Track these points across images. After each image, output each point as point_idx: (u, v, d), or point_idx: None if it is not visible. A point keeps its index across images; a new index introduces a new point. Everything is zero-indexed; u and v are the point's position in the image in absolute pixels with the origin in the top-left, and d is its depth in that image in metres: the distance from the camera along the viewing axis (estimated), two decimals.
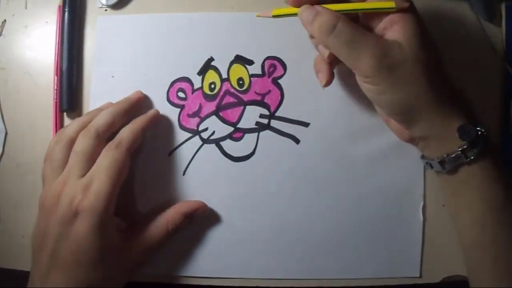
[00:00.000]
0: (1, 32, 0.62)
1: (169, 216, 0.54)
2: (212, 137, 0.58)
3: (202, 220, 0.57)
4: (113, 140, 0.53)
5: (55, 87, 0.59)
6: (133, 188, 0.58)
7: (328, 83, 0.52)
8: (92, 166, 0.51)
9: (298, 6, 0.49)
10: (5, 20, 0.63)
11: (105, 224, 0.49)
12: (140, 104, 0.58)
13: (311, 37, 0.54)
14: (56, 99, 0.59)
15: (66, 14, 0.60)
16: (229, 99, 0.58)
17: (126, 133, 0.53)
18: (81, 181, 0.50)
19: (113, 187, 0.50)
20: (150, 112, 0.57)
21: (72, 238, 0.48)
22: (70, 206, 0.48)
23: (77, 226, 0.48)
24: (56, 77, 0.59)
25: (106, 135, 0.53)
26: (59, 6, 0.61)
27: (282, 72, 0.59)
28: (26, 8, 0.63)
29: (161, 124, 0.58)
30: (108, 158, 0.51)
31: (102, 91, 0.59)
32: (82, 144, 0.51)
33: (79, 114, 0.60)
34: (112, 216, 0.51)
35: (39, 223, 0.51)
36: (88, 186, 0.49)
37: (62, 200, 0.49)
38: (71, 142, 0.52)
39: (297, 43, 0.59)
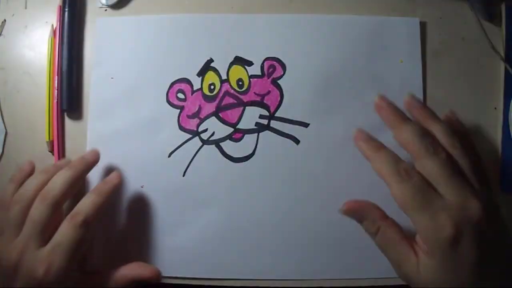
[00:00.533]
0: (1, 32, 0.62)
1: (118, 279, 0.54)
2: (212, 138, 0.58)
3: (201, 221, 0.57)
4: (77, 213, 0.51)
5: (56, 87, 0.59)
6: (132, 189, 0.58)
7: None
8: (48, 233, 0.50)
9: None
10: (5, 20, 0.63)
11: None
12: (95, 164, 0.56)
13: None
14: (56, 99, 0.59)
15: (66, 14, 0.60)
16: (228, 100, 0.58)
17: (91, 208, 0.52)
18: (41, 253, 0.49)
19: (73, 262, 0.50)
20: (114, 181, 0.55)
21: None
22: (31, 280, 0.48)
23: None
24: (56, 77, 0.59)
25: (63, 203, 0.52)
26: (59, 6, 0.61)
27: (282, 73, 0.59)
28: (26, 8, 0.63)
29: (160, 125, 0.58)
30: (71, 235, 0.50)
31: (101, 92, 0.59)
32: (39, 213, 0.50)
33: (79, 114, 0.60)
34: (73, 276, 0.52)
35: None
36: (50, 262, 0.48)
37: (22, 271, 0.48)
38: (29, 206, 0.51)
39: (297, 43, 0.59)
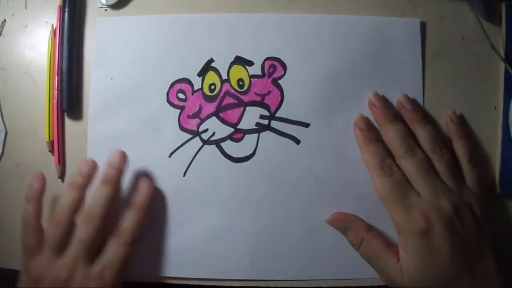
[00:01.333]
0: (1, 32, 0.62)
1: None
2: (212, 138, 0.58)
3: (201, 221, 0.57)
4: (124, 232, 0.53)
5: (56, 87, 0.59)
6: (133, 189, 0.57)
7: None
8: (95, 252, 0.52)
9: None
10: (5, 20, 0.63)
11: None
12: (125, 169, 0.56)
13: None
14: (56, 99, 0.59)
15: (66, 14, 0.60)
16: (229, 100, 0.58)
17: (135, 226, 0.53)
18: (91, 270, 0.51)
19: (122, 277, 0.53)
20: (148, 192, 0.55)
21: None
22: None
23: None
24: (56, 77, 0.59)
25: (107, 220, 0.53)
26: (59, 6, 0.61)
27: (282, 73, 0.58)
28: (26, 8, 0.63)
29: (161, 125, 0.58)
30: (121, 254, 0.52)
31: (102, 92, 0.59)
32: (88, 233, 0.52)
33: (79, 114, 0.60)
34: None
35: None
36: (101, 277, 0.51)
37: (73, 286, 0.50)
38: (70, 225, 0.52)
39: (297, 43, 0.59)
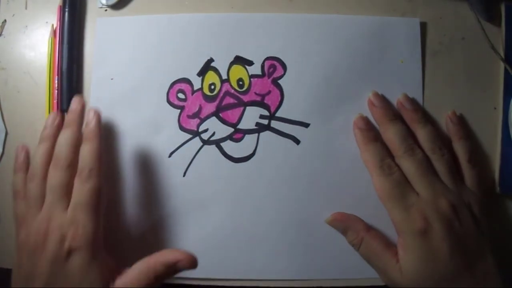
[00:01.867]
0: (1, 32, 0.62)
1: (151, 264, 0.50)
2: (212, 138, 0.58)
3: (201, 221, 0.57)
4: (81, 169, 0.52)
5: (56, 87, 0.59)
6: (133, 189, 0.58)
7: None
8: (68, 197, 0.51)
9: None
10: (5, 20, 0.63)
11: (97, 256, 0.49)
12: (84, 109, 0.56)
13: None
14: (56, 99, 0.59)
15: (66, 14, 0.60)
16: (229, 100, 0.58)
17: (89, 158, 0.52)
18: (65, 217, 0.50)
19: (98, 217, 0.51)
20: (93, 121, 0.55)
21: (65, 275, 0.48)
22: (61, 245, 0.48)
23: (71, 263, 0.48)
24: (57, 77, 0.59)
25: (75, 160, 0.53)
26: (59, 6, 0.61)
27: (282, 73, 0.59)
28: (26, 8, 0.63)
29: (161, 125, 0.58)
30: (85, 191, 0.50)
31: (102, 92, 0.59)
32: (57, 178, 0.51)
33: None
34: (102, 249, 0.51)
35: (21, 264, 0.50)
36: (76, 224, 0.49)
37: (51, 238, 0.49)
38: (44, 177, 0.53)
39: (297, 43, 0.59)
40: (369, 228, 0.55)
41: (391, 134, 0.55)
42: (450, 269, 0.49)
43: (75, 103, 0.56)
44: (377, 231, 0.55)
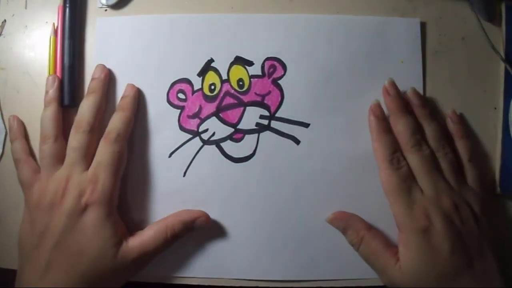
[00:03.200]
0: (1, 32, 0.62)
1: (169, 222, 0.54)
2: (212, 138, 0.58)
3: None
4: (109, 132, 0.55)
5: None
6: (133, 189, 0.58)
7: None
8: (90, 159, 0.54)
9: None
10: (5, 20, 0.63)
11: (112, 215, 0.52)
12: (109, 77, 0.59)
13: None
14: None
15: (67, 13, 0.60)
16: (229, 100, 0.58)
17: (121, 123, 0.55)
18: (85, 175, 0.52)
19: (117, 180, 0.53)
20: (131, 93, 0.58)
21: (79, 228, 0.50)
22: (79, 200, 0.51)
23: (86, 218, 0.50)
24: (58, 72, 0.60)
25: (97, 125, 0.56)
26: (60, 6, 0.61)
27: (282, 73, 0.58)
28: (26, 8, 0.63)
29: (161, 125, 0.58)
30: (109, 152, 0.53)
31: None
32: (78, 140, 0.54)
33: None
34: (116, 209, 0.53)
35: (33, 222, 0.52)
36: (95, 180, 0.52)
37: (69, 194, 0.51)
38: (60, 138, 0.55)
39: (297, 43, 0.59)
40: (369, 227, 0.55)
41: (402, 127, 0.55)
42: (450, 267, 0.49)
43: (98, 70, 0.58)
44: (377, 231, 0.55)
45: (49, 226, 0.51)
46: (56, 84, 0.58)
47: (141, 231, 0.54)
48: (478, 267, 0.49)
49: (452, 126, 0.57)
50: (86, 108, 0.56)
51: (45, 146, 0.55)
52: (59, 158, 0.55)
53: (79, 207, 0.50)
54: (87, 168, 0.53)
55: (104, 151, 0.53)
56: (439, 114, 0.58)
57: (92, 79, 0.58)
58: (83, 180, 0.52)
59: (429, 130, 0.56)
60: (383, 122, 0.56)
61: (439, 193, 0.52)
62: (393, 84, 0.57)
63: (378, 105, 0.57)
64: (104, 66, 0.59)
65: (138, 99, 0.59)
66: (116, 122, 0.55)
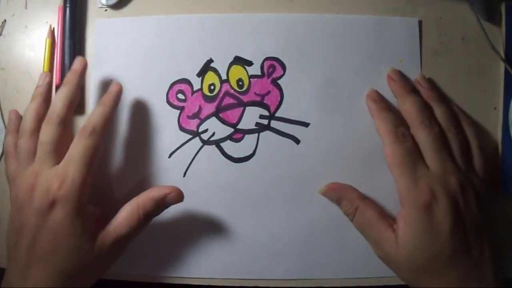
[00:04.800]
0: (1, 32, 0.62)
1: (140, 202, 0.53)
2: (212, 138, 0.58)
3: (203, 220, 0.57)
4: (85, 126, 0.53)
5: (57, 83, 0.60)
6: (133, 190, 0.57)
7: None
8: (62, 154, 0.52)
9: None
10: (5, 20, 0.63)
11: (81, 212, 0.50)
12: (86, 70, 0.57)
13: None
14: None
15: (67, 14, 0.60)
16: (228, 100, 0.58)
17: (98, 117, 0.53)
18: (55, 170, 0.50)
19: (88, 175, 0.51)
20: (114, 89, 0.57)
21: (50, 227, 0.48)
22: (47, 196, 0.49)
23: (54, 214, 0.48)
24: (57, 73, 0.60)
25: (68, 117, 0.54)
26: (60, 6, 0.61)
27: (282, 73, 0.58)
28: (26, 8, 0.63)
29: (161, 125, 0.58)
30: (81, 146, 0.51)
31: (101, 94, 0.59)
32: (48, 133, 0.52)
33: (81, 112, 0.60)
34: (87, 204, 0.51)
35: (13, 219, 0.51)
36: (63, 175, 0.50)
37: (37, 190, 0.50)
38: (35, 134, 0.53)
39: (296, 43, 0.59)
40: (364, 197, 0.55)
41: (409, 105, 0.54)
42: (448, 248, 0.48)
43: (77, 63, 0.57)
44: (372, 201, 0.55)
45: (23, 225, 0.49)
46: (47, 80, 0.58)
47: (115, 215, 0.53)
48: (473, 255, 0.49)
49: (459, 113, 0.57)
50: (58, 100, 0.54)
51: (20, 140, 0.54)
52: (34, 154, 0.53)
53: (47, 204, 0.49)
54: (58, 162, 0.51)
55: (77, 144, 0.51)
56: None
57: (70, 70, 0.57)
58: (52, 175, 0.50)
59: (440, 111, 0.55)
60: (382, 103, 0.56)
61: (446, 172, 0.51)
62: (396, 70, 0.58)
63: (373, 91, 0.57)
64: (83, 58, 0.57)
65: (136, 100, 0.59)
66: (93, 116, 0.53)
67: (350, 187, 0.56)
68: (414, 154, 0.52)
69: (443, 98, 0.57)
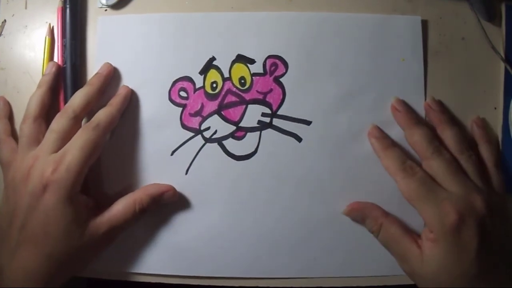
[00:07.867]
0: (1, 32, 0.62)
1: (137, 197, 0.54)
2: (214, 136, 0.58)
3: (203, 219, 0.57)
4: (90, 121, 0.54)
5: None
6: (136, 188, 0.57)
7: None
8: (65, 142, 0.53)
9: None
10: (5, 20, 0.63)
11: (73, 198, 0.51)
12: (111, 76, 0.59)
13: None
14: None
15: (67, 14, 0.60)
16: (231, 98, 0.58)
17: (103, 115, 0.55)
18: (53, 156, 0.52)
19: (84, 164, 0.52)
20: (122, 92, 0.58)
21: (41, 209, 0.49)
22: (41, 179, 0.50)
23: (46, 197, 0.49)
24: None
25: (83, 115, 0.56)
26: (60, 7, 0.61)
27: (284, 71, 0.59)
28: (26, 8, 0.63)
29: (163, 123, 0.58)
30: (83, 137, 0.53)
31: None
32: (60, 123, 0.54)
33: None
34: (80, 193, 0.52)
35: (7, 200, 0.52)
36: (60, 160, 0.51)
37: (33, 173, 0.51)
38: (39, 120, 0.56)
39: (298, 41, 0.59)
40: (387, 214, 0.55)
41: (418, 137, 0.54)
42: (474, 267, 0.48)
43: (103, 67, 0.59)
44: (395, 217, 0.55)
45: (17, 206, 0.51)
46: (54, 69, 0.59)
47: (110, 206, 0.54)
48: (499, 275, 0.49)
49: (477, 130, 0.57)
50: (77, 96, 0.56)
51: (24, 125, 0.55)
52: (36, 139, 0.54)
53: (40, 186, 0.50)
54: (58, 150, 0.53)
55: (79, 136, 0.53)
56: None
57: (96, 73, 0.58)
58: (49, 160, 0.51)
59: (450, 135, 0.55)
60: (385, 140, 0.56)
61: (469, 192, 0.50)
62: (400, 100, 0.57)
63: (374, 127, 0.57)
64: (110, 65, 0.59)
65: (139, 98, 0.59)
66: (99, 114, 0.55)
67: (372, 205, 0.56)
68: (428, 182, 0.52)
69: (454, 121, 0.57)
